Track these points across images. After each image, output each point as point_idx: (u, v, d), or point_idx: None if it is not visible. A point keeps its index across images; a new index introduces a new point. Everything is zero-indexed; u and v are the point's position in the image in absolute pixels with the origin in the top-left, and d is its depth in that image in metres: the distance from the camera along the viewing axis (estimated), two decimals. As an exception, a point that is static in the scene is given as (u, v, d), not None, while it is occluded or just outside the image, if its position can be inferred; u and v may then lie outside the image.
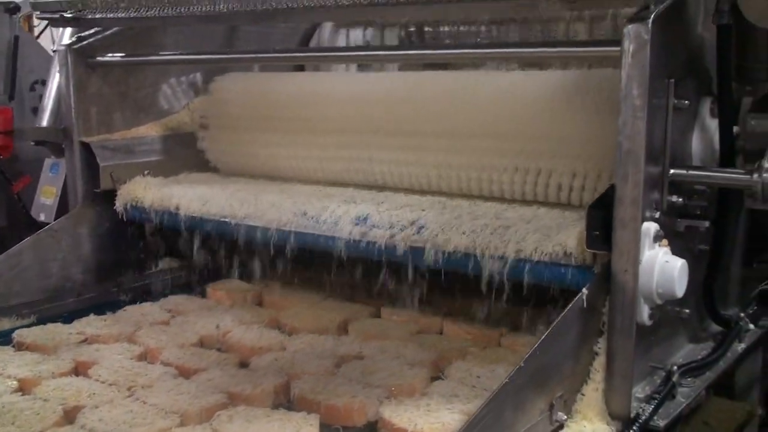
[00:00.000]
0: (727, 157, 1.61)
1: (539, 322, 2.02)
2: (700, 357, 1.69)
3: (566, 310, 1.44)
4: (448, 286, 2.04)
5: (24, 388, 1.78)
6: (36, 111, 3.67)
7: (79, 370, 1.88)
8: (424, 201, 2.06)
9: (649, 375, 1.58)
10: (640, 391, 1.53)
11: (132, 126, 2.51)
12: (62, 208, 2.87)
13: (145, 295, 2.44)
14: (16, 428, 1.57)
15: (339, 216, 1.98)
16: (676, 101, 1.48)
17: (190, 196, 2.28)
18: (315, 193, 2.22)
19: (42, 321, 2.19)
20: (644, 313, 1.47)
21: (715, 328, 1.80)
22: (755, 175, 1.47)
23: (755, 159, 1.50)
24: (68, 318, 2.20)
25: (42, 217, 3.02)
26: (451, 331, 2.10)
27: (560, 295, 1.66)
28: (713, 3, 1.56)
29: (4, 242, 2.46)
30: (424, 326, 2.13)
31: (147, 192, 2.35)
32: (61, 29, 2.75)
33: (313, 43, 2.94)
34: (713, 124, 1.63)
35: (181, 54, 2.57)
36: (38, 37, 4.65)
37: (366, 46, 2.83)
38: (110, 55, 2.43)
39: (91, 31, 2.42)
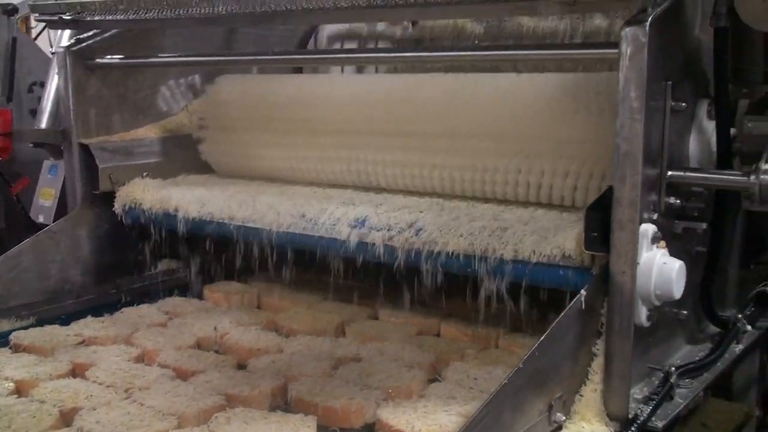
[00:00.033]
0: (724, 159, 1.62)
1: (537, 324, 2.03)
2: (697, 358, 1.70)
3: (565, 311, 1.44)
4: (446, 288, 2.04)
5: (21, 389, 1.78)
6: (34, 113, 3.67)
7: (77, 371, 1.88)
8: (422, 202, 2.06)
9: (647, 376, 1.58)
10: (638, 392, 1.54)
11: (131, 128, 2.51)
12: (61, 209, 2.87)
13: (143, 296, 2.44)
14: (11, 432, 1.57)
15: (337, 218, 1.99)
16: (673, 103, 1.49)
17: (189, 198, 2.28)
18: (313, 195, 2.23)
19: (41, 322, 2.19)
20: (642, 315, 1.48)
21: (713, 329, 1.81)
22: (752, 177, 1.48)
23: (752, 161, 1.51)
24: (67, 319, 2.20)
25: (41, 219, 3.02)
26: (448, 333, 2.11)
27: (558, 296, 1.66)
28: (710, 6, 1.56)
29: (3, 244, 2.46)
30: (422, 328, 2.13)
31: (146, 194, 2.36)
32: (59, 31, 2.75)
33: (310, 47, 2.94)
34: (710, 126, 1.63)
35: (179, 56, 2.57)
36: (36, 38, 4.65)
37: (363, 49, 2.84)
38: (109, 57, 2.43)
39: (90, 33, 2.42)
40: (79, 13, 2.24)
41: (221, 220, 2.18)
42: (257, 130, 2.45)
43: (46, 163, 3.07)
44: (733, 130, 1.64)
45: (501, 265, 1.71)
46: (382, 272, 2.05)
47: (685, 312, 1.60)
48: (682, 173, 1.53)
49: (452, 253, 1.77)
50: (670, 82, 1.48)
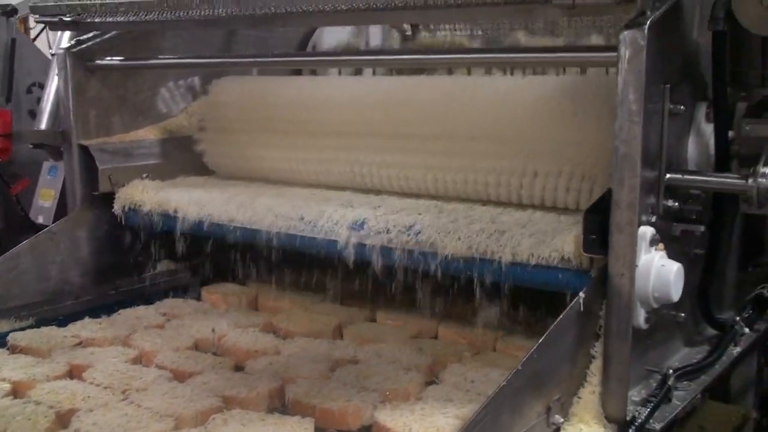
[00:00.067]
0: (722, 162, 1.63)
1: (534, 327, 2.03)
2: (695, 360, 1.70)
3: (563, 313, 1.45)
4: (444, 291, 2.04)
5: (17, 391, 1.78)
6: (32, 113, 3.67)
7: (74, 373, 1.88)
8: (420, 205, 2.07)
9: (645, 378, 1.59)
10: (636, 394, 1.54)
11: (130, 129, 2.51)
12: (60, 210, 2.87)
13: (142, 297, 2.44)
14: (7, 434, 1.57)
15: (336, 221, 1.99)
16: (671, 106, 1.49)
17: (188, 200, 2.28)
18: (312, 197, 2.23)
19: (40, 323, 2.19)
20: (640, 317, 1.48)
21: (711, 331, 1.81)
22: (750, 180, 1.49)
23: (750, 164, 1.52)
24: (66, 320, 2.20)
25: (40, 220, 3.02)
26: (445, 336, 2.11)
27: (556, 299, 1.66)
28: (708, 9, 1.57)
29: (3, 245, 2.46)
30: (420, 330, 2.13)
31: (145, 195, 2.36)
32: (59, 32, 2.75)
33: (310, 48, 2.95)
34: (709, 129, 1.64)
35: (179, 58, 2.57)
36: (35, 39, 4.65)
37: (362, 51, 2.84)
38: (109, 58, 2.43)
39: (90, 34, 2.42)
40: (79, 15, 2.24)
41: (220, 222, 2.18)
42: (256, 132, 2.46)
43: (46, 164, 3.07)
44: (731, 133, 1.65)
45: (499, 268, 1.71)
46: (380, 274, 2.05)
47: (683, 314, 1.60)
48: (680, 176, 1.54)
49: (450, 256, 1.77)
50: (668, 85, 1.48)
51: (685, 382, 1.62)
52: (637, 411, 1.51)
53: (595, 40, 2.38)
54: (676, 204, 1.54)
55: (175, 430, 1.60)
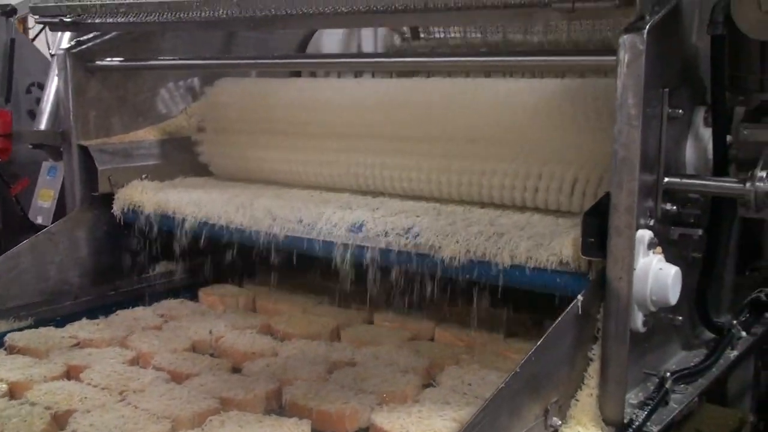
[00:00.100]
0: (720, 166, 1.63)
1: (532, 330, 2.04)
2: (692, 364, 1.71)
3: (561, 316, 1.45)
4: (442, 293, 2.04)
5: (14, 391, 1.78)
6: (31, 113, 3.67)
7: (71, 374, 1.88)
8: (419, 207, 2.07)
9: (643, 381, 1.59)
10: (633, 397, 1.55)
11: (130, 130, 2.51)
12: (60, 211, 2.87)
13: (141, 298, 2.44)
14: (3, 436, 1.57)
15: (334, 223, 1.99)
16: (670, 110, 1.50)
17: (187, 201, 2.28)
18: (311, 199, 2.23)
19: (39, 323, 2.19)
20: (638, 320, 1.49)
21: (708, 335, 1.82)
22: (748, 184, 1.49)
23: (748, 168, 1.52)
24: (66, 321, 2.20)
25: (39, 220, 3.02)
26: (443, 338, 2.11)
27: (553, 302, 1.67)
28: (707, 14, 1.58)
29: (2, 245, 2.47)
30: (417, 333, 2.14)
31: (144, 196, 2.36)
32: (58, 33, 2.75)
33: (309, 50, 2.95)
34: (707, 133, 1.64)
35: (179, 59, 2.57)
36: (34, 39, 4.65)
37: (362, 54, 2.85)
38: (109, 59, 2.44)
39: (90, 35, 2.43)
40: (79, 16, 2.24)
41: (218, 223, 2.19)
42: (256, 133, 2.46)
43: (45, 165, 3.07)
44: (729, 138, 1.65)
45: (497, 271, 1.71)
46: (378, 277, 2.06)
47: (680, 318, 1.61)
48: (678, 180, 1.54)
49: (449, 259, 1.77)
50: (667, 89, 1.49)
51: (682, 386, 1.62)
52: (634, 414, 1.51)
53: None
54: (674, 208, 1.55)
55: (172, 432, 1.60)
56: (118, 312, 2.28)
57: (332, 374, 1.85)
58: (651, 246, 1.48)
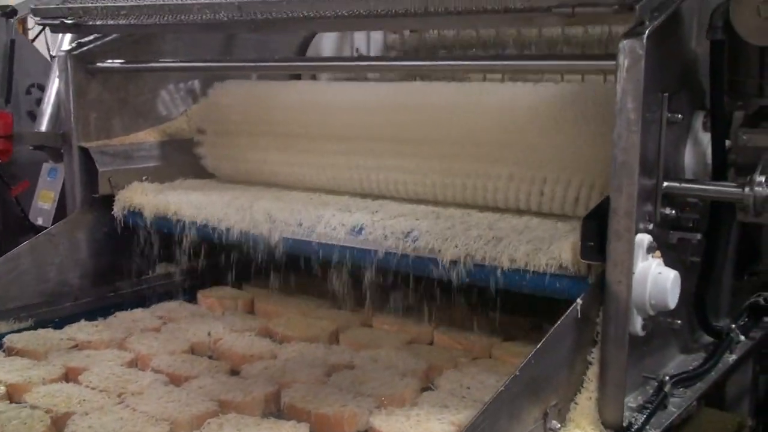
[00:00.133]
0: (719, 171, 1.64)
1: (530, 334, 2.04)
2: (691, 368, 1.71)
3: (561, 320, 1.46)
4: (440, 297, 2.05)
5: (13, 393, 1.78)
6: (31, 114, 3.66)
7: (70, 376, 1.88)
8: (418, 210, 2.07)
9: (642, 385, 1.60)
10: (632, 400, 1.55)
11: (131, 132, 2.52)
12: (60, 212, 2.87)
13: (141, 300, 2.44)
14: (3, 439, 1.57)
15: (334, 226, 1.99)
16: (669, 115, 1.51)
17: (187, 203, 2.29)
18: (311, 201, 2.23)
19: (39, 325, 2.19)
20: (637, 324, 1.49)
21: (707, 339, 1.82)
22: (747, 189, 1.50)
23: (747, 173, 1.53)
24: (65, 322, 2.20)
25: (40, 221, 3.02)
26: (441, 342, 2.11)
27: (552, 306, 1.67)
28: (707, 19, 1.58)
29: (2, 246, 2.47)
30: (416, 336, 2.14)
31: (144, 198, 2.36)
32: (59, 34, 2.75)
33: (310, 51, 2.95)
34: (706, 138, 1.65)
35: (180, 61, 2.58)
36: (34, 40, 4.65)
37: (362, 57, 2.85)
38: (110, 61, 2.44)
39: (91, 37, 2.43)
40: (80, 18, 2.24)
41: (218, 226, 2.19)
42: (256, 135, 2.46)
43: (46, 166, 3.07)
44: (728, 142, 1.66)
45: (496, 275, 1.71)
46: (377, 280, 2.06)
47: (679, 321, 1.61)
48: (677, 184, 1.55)
49: (448, 262, 1.78)
50: (666, 94, 1.50)
51: (681, 389, 1.63)
52: (633, 417, 1.52)
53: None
54: (673, 212, 1.55)
55: (170, 434, 1.60)
56: (117, 314, 2.28)
57: (331, 377, 1.85)
58: (650, 250, 1.48)
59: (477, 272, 1.75)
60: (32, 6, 2.37)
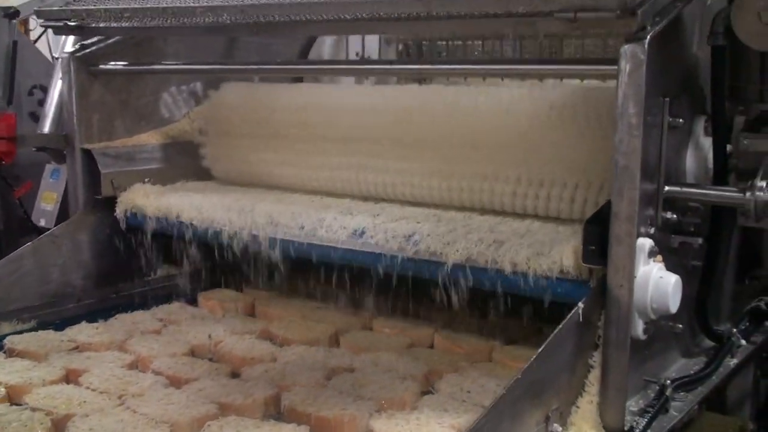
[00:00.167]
0: (720, 176, 1.64)
1: (531, 338, 2.04)
2: (692, 372, 1.71)
3: (562, 323, 1.46)
4: (441, 300, 2.05)
5: (13, 395, 1.78)
6: (34, 116, 3.67)
7: (70, 377, 1.88)
8: (419, 213, 2.07)
9: (643, 389, 1.60)
10: (634, 404, 1.55)
11: (133, 134, 2.52)
12: (62, 214, 2.87)
13: (143, 301, 2.44)
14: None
15: (335, 230, 2.00)
16: (671, 119, 1.51)
17: (189, 205, 2.29)
18: (312, 204, 2.24)
19: (42, 326, 2.19)
20: (639, 328, 1.49)
21: (708, 343, 1.82)
22: (748, 194, 1.50)
23: (748, 177, 1.53)
24: (68, 324, 2.20)
25: (42, 223, 3.02)
26: (442, 345, 2.11)
27: (552, 310, 1.68)
28: (708, 24, 1.59)
29: (5, 247, 2.47)
30: (416, 339, 2.13)
31: (147, 199, 2.37)
32: (62, 36, 2.76)
33: (312, 54, 2.96)
34: (707, 143, 1.66)
35: (182, 64, 2.58)
36: (36, 41, 4.65)
37: (364, 60, 2.86)
38: (112, 63, 2.45)
39: (94, 39, 2.43)
40: (83, 20, 2.25)
41: (219, 228, 2.19)
42: (258, 138, 2.47)
43: (48, 167, 3.07)
44: (729, 147, 1.66)
45: (497, 278, 1.72)
46: (378, 283, 2.06)
47: (680, 326, 1.61)
48: (678, 188, 1.55)
49: (449, 266, 1.78)
50: (668, 99, 1.50)
51: (682, 393, 1.63)
52: (634, 421, 1.52)
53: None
54: (675, 216, 1.56)
55: (170, 436, 1.60)
56: (117, 316, 2.28)
57: (331, 380, 1.85)
58: (651, 254, 1.48)
59: (478, 276, 1.75)
60: (36, 8, 2.38)
